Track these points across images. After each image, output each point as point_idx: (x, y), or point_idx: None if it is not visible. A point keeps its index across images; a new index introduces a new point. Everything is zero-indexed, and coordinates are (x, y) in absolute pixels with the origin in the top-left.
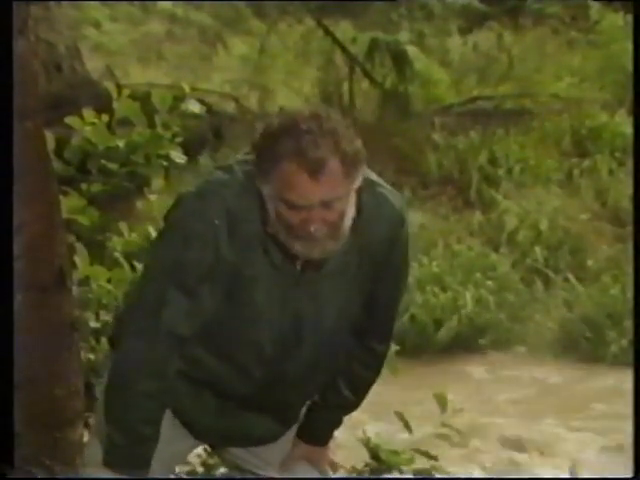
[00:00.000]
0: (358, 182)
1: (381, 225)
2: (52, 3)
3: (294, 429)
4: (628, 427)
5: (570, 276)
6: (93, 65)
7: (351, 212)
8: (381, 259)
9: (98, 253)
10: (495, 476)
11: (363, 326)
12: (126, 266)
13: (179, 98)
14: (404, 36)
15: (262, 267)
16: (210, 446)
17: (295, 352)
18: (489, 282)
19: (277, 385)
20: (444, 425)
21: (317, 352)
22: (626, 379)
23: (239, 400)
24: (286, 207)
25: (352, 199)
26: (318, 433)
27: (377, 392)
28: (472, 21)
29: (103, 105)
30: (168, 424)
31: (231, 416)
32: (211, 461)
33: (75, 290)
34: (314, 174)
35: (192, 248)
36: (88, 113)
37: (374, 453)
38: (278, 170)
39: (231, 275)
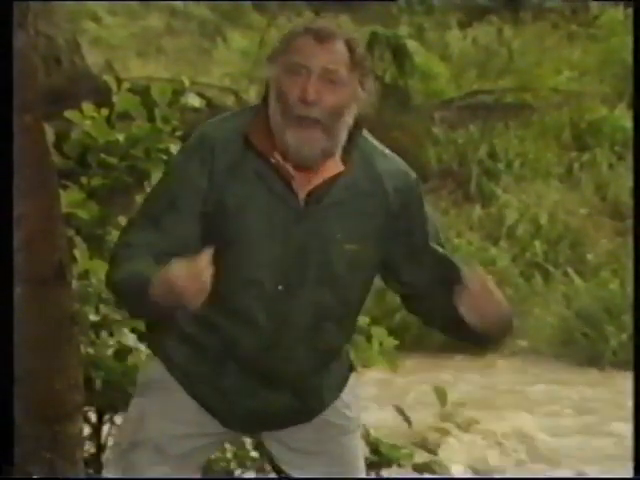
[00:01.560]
0: (361, 92)
1: (387, 173)
2: None
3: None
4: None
5: (570, 270)
6: (93, 59)
7: (349, 121)
8: (397, 211)
9: (98, 247)
10: (494, 476)
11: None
12: None
13: (179, 92)
14: (404, 30)
15: (258, 199)
16: (250, 436)
17: (300, 291)
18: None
19: (285, 335)
20: (444, 419)
21: (324, 293)
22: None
23: (255, 368)
24: (288, 77)
25: (352, 109)
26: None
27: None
28: (472, 15)
29: (103, 99)
30: (193, 410)
31: (253, 395)
32: (212, 456)
33: (75, 284)
34: (319, 39)
35: (174, 183)
36: (88, 107)
37: (374, 447)
38: (288, 44)
39: (217, 208)
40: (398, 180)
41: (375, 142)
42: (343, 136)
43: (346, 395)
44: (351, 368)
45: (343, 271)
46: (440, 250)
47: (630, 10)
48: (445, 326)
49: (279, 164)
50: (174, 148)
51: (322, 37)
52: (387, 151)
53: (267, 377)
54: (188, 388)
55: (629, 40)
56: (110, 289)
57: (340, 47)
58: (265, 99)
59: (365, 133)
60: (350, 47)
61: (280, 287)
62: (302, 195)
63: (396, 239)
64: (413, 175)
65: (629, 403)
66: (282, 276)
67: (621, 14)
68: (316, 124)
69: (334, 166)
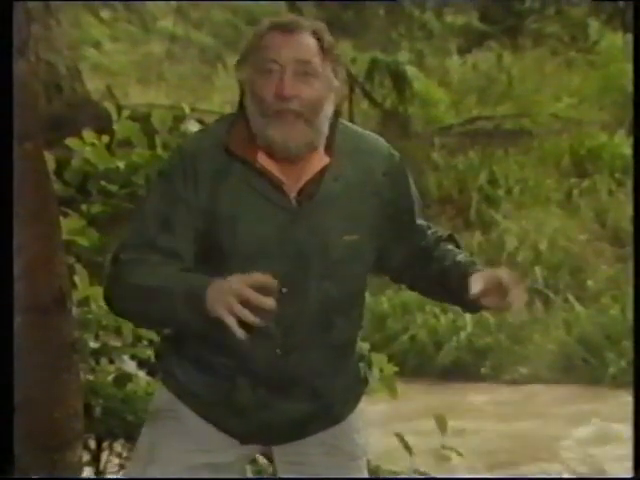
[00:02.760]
0: (336, 81)
1: (372, 158)
2: (52, 22)
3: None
4: None
5: (570, 296)
6: (93, 85)
7: (329, 112)
8: (390, 196)
9: (98, 274)
10: (492, 476)
11: (414, 252)
12: None
13: (179, 119)
14: (404, 56)
15: (250, 207)
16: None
17: (305, 290)
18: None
19: (296, 337)
20: (444, 447)
21: (329, 288)
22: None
23: (270, 379)
24: (260, 75)
25: (330, 100)
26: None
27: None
28: (471, 41)
29: (103, 126)
30: (204, 438)
31: (269, 406)
32: None
33: (75, 311)
34: (286, 31)
35: (163, 202)
36: (88, 134)
37: (374, 474)
38: (255, 44)
39: (209, 222)
40: (385, 163)
41: (355, 127)
42: (326, 128)
43: (355, 420)
44: (365, 381)
45: (344, 263)
46: (426, 227)
47: (629, 36)
48: (431, 292)
49: (265, 168)
50: None
51: (289, 29)
52: (369, 134)
53: (283, 386)
54: (201, 412)
55: (628, 67)
56: (121, 301)
57: (308, 38)
58: (240, 105)
59: (343, 120)
60: (318, 37)
61: (284, 289)
62: (293, 195)
63: (388, 222)
64: (397, 155)
65: None
66: (285, 278)
67: (620, 40)
68: (298, 116)
69: (319, 160)
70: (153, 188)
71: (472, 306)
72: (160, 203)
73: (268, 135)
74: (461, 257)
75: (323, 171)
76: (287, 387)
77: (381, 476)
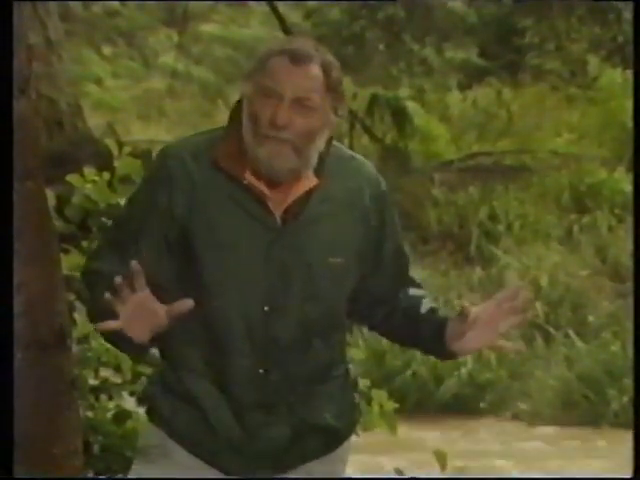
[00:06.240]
0: (333, 117)
1: (361, 181)
2: (54, 59)
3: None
4: None
5: (571, 332)
6: (95, 122)
7: (320, 145)
8: (375, 223)
9: None
10: (493, 476)
11: (387, 292)
12: None
13: None
14: (404, 92)
15: (235, 223)
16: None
17: (286, 309)
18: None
19: (276, 356)
20: None
21: (310, 309)
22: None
23: (252, 402)
24: (260, 98)
25: (324, 134)
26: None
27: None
28: (471, 77)
29: (104, 163)
30: (198, 469)
31: (256, 435)
32: None
33: (74, 348)
34: (295, 60)
35: (139, 210)
36: (89, 171)
37: None
38: (263, 64)
39: (191, 236)
40: (372, 187)
41: (345, 149)
42: (314, 158)
43: (343, 450)
44: (358, 411)
45: (327, 285)
46: (405, 261)
47: (629, 72)
48: (397, 336)
49: (252, 185)
50: None
51: (298, 59)
52: (358, 157)
53: (267, 407)
54: (191, 448)
55: (628, 103)
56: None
57: (315, 71)
58: (231, 120)
59: (334, 142)
60: (326, 71)
61: (266, 308)
62: (279, 213)
63: (373, 249)
64: (384, 181)
65: None
66: (267, 297)
67: (619, 76)
68: (287, 143)
69: (308, 181)
70: (134, 193)
71: (446, 354)
72: (136, 211)
73: (256, 153)
74: (435, 305)
75: (311, 192)
76: (271, 409)
77: (380, 476)
